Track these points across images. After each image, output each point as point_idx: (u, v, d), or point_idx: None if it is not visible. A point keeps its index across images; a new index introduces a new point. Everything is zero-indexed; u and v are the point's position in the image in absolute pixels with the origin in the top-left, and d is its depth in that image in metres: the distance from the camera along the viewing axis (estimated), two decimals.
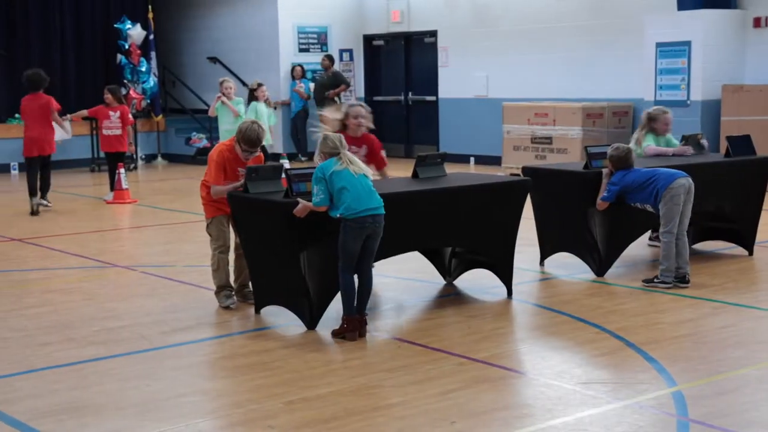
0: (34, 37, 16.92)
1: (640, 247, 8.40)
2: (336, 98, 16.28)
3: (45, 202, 11.38)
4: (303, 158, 16.68)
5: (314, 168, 5.77)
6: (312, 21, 17.48)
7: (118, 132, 12.11)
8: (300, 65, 17.09)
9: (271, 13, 17.21)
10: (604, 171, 7.18)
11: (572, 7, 14.61)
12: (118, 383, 5.00)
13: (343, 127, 6.79)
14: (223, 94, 12.55)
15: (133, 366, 5.30)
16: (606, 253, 7.36)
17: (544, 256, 7.80)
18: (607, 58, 14.21)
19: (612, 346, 5.57)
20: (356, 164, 5.70)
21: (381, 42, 17.94)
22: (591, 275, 7.36)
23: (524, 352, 5.61)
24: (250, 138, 6.27)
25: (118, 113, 12.07)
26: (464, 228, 6.64)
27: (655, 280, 6.96)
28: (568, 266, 7.64)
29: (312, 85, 16.93)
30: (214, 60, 18.30)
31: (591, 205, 7.26)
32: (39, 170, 11.33)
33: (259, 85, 12.73)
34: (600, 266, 7.36)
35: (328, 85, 16.51)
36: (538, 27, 15.09)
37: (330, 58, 16.77)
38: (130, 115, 12.30)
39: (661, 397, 4.67)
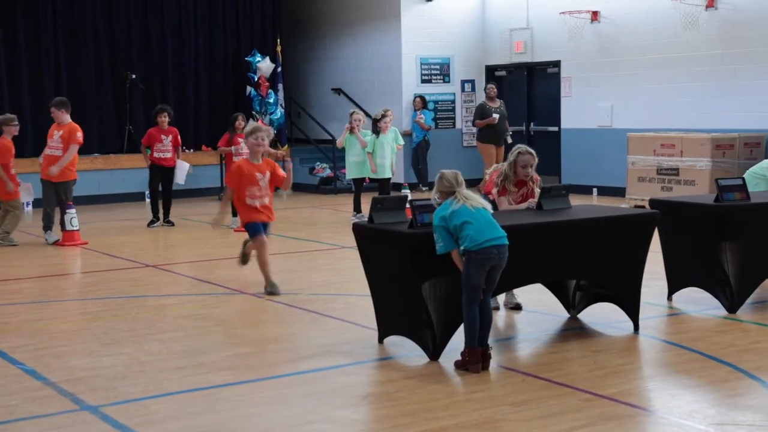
0: (170, 70, 17.66)
1: None
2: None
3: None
4: (424, 188, 16.78)
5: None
6: (435, 52, 17.65)
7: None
8: (421, 96, 17.24)
9: (395, 44, 17.47)
10: None
11: (701, 36, 14.27)
12: (249, 409, 5.13)
13: (513, 171, 6.88)
14: (352, 126, 12.76)
15: (262, 392, 5.43)
16: (738, 289, 7.12)
17: (672, 290, 7.61)
18: (738, 87, 13.80)
19: (748, 387, 5.38)
20: (473, 199, 5.73)
21: (503, 72, 17.94)
22: (722, 311, 7.13)
23: (653, 390, 5.47)
24: None
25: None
26: (589, 261, 6.55)
27: None
28: (697, 301, 7.42)
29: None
30: (338, 91, 18.68)
31: (722, 239, 7.05)
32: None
33: (383, 116, 12.82)
34: (732, 302, 7.12)
35: (506, 118, 15.53)
36: (665, 56, 14.80)
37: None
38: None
39: None
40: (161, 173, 12.70)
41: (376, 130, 12.72)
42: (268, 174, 8.09)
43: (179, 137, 12.86)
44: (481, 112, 15.32)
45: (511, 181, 6.92)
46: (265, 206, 8.11)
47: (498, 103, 15.42)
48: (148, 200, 16.06)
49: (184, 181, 13.30)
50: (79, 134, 11.29)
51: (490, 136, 15.22)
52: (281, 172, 8.13)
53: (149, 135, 12.66)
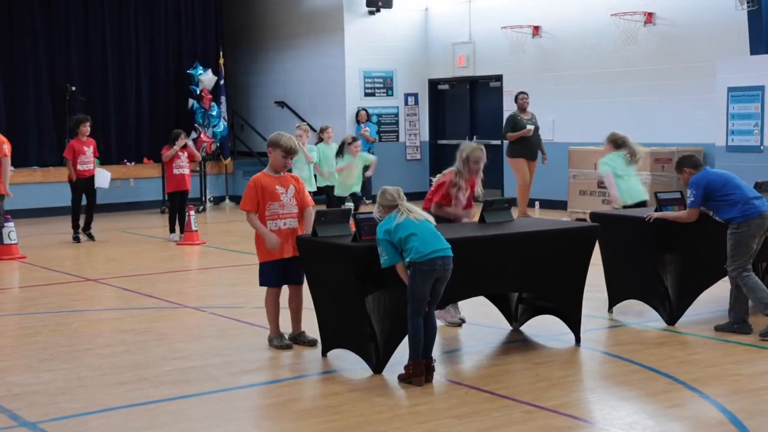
0: (111, 83, 17.42)
1: (712, 295, 8.25)
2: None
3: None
4: (368, 201, 16.79)
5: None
6: (378, 65, 17.70)
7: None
8: (364, 109, 17.27)
9: (338, 57, 17.48)
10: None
11: (641, 51, 14.54)
12: (190, 424, 5.08)
13: (466, 168, 7.05)
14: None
15: (204, 407, 5.38)
16: (677, 301, 7.25)
17: (612, 303, 7.72)
18: (677, 102, 14.09)
19: (685, 398, 5.48)
20: (415, 212, 5.77)
21: (446, 86, 18.06)
22: (661, 323, 7.25)
23: (594, 401, 5.54)
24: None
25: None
26: (532, 274, 6.62)
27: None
28: (637, 314, 7.54)
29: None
30: (281, 104, 18.63)
31: (661, 252, 7.18)
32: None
33: (323, 130, 12.91)
34: (671, 314, 7.25)
35: (539, 130, 14.01)
36: (605, 71, 15.05)
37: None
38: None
39: None
40: (86, 185, 12.39)
41: (320, 141, 12.77)
42: (292, 188, 6.55)
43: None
44: (513, 124, 13.77)
45: (464, 178, 7.08)
46: (293, 231, 6.48)
47: (530, 114, 13.96)
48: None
49: (108, 186, 13.01)
50: (6, 146, 10.77)
51: (523, 150, 13.64)
52: (306, 191, 6.69)
53: (72, 148, 12.24)
